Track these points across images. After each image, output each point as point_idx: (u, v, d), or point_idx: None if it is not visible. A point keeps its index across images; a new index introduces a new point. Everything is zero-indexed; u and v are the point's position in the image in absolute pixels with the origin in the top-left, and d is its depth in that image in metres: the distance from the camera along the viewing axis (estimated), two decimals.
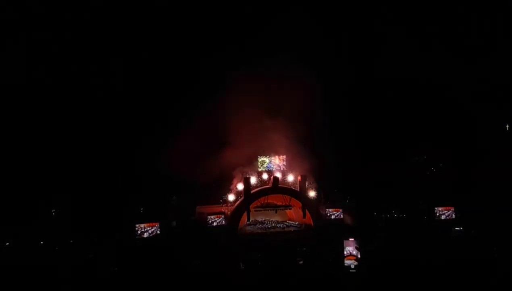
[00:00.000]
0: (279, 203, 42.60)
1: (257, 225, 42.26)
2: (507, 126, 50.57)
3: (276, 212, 42.91)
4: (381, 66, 52.05)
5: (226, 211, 40.94)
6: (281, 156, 43.86)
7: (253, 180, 42.49)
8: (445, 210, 39.66)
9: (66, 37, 46.19)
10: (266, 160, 43.91)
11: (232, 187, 43.18)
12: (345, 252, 27.68)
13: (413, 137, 53.29)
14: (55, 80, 47.08)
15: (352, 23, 51.83)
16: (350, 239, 27.96)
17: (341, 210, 41.15)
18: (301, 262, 31.04)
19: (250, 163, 43.71)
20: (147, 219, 37.12)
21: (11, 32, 42.76)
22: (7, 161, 43.43)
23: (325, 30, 47.66)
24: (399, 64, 51.15)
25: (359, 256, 27.41)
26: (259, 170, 43.58)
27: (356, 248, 27.60)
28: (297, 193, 41.47)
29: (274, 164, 43.87)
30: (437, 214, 39.62)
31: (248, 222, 41.93)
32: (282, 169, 43.62)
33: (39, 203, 40.94)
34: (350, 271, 27.21)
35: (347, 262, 27.54)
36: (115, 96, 49.19)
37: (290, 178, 43.01)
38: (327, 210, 41.36)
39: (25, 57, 44.69)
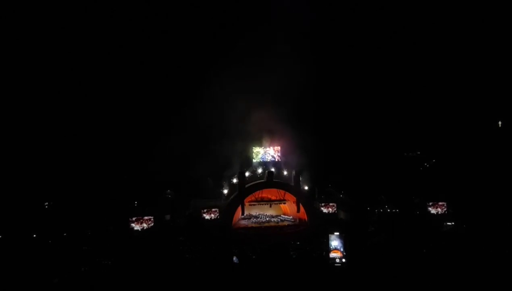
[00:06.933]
0: (274, 197, 42.68)
1: (252, 219, 42.36)
2: (500, 123, 51.04)
3: (270, 206, 43.03)
4: (378, 63, 52.29)
5: (220, 205, 41.02)
6: (275, 147, 43.86)
7: (247, 173, 42.57)
8: (438, 205, 40.11)
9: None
10: (261, 150, 43.89)
11: (226, 180, 43.26)
12: (330, 246, 27.74)
13: (407, 133, 53.63)
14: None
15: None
16: (335, 233, 28.06)
17: (335, 205, 41.44)
18: (294, 256, 31.19)
19: (245, 155, 43.72)
20: (141, 212, 37.08)
21: None
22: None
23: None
24: (394, 61, 51.42)
25: (342, 249, 27.49)
26: (254, 161, 43.56)
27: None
28: (292, 187, 41.58)
29: (268, 155, 43.90)
30: (430, 209, 40.05)
31: (242, 216, 41.99)
32: (276, 160, 43.65)
33: (32, 196, 40.67)
34: (335, 265, 27.38)
35: (332, 255, 27.70)
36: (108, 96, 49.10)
37: (285, 172, 43.14)
38: (321, 204, 41.63)
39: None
